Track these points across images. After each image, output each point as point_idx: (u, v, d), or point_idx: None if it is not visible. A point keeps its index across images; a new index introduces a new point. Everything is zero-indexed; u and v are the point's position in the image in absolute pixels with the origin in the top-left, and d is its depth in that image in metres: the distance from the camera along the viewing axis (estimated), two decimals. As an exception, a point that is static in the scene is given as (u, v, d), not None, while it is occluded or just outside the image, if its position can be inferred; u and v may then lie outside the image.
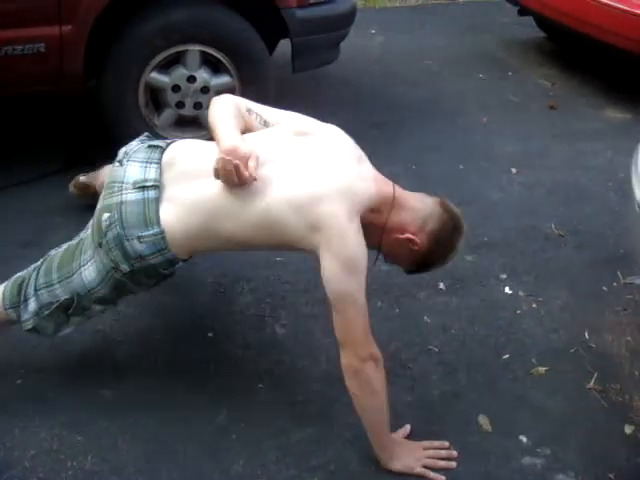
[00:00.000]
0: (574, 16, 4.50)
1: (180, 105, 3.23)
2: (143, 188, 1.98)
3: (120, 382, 2.20)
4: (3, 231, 2.85)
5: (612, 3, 4.26)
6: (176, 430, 2.07)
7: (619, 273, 2.85)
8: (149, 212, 1.96)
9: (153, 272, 2.03)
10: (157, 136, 3.22)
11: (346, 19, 3.57)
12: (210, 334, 2.41)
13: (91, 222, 2.07)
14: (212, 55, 3.18)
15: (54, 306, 2.04)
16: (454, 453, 2.05)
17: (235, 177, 1.87)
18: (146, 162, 2.05)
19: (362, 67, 4.79)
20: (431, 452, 2.03)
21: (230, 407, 2.16)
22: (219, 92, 3.25)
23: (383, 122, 4.03)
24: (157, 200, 1.98)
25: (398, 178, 3.42)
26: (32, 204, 3.03)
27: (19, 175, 3.20)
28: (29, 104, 3.81)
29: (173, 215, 1.96)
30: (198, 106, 3.24)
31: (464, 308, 2.62)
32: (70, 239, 2.77)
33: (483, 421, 2.17)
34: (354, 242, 1.89)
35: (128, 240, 1.95)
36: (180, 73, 3.17)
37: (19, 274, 2.13)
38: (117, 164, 2.08)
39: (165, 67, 3.17)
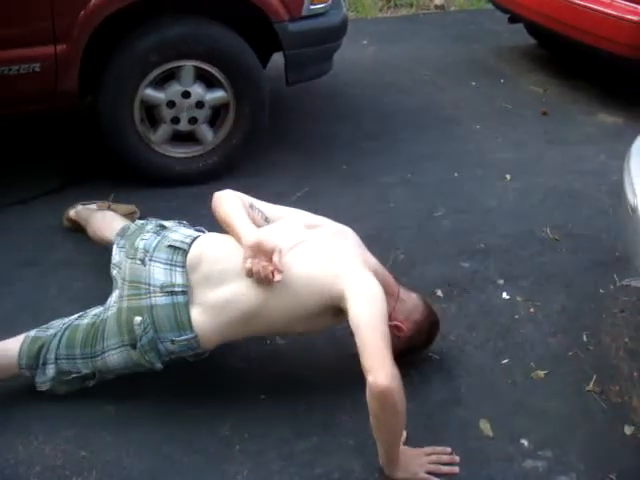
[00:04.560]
0: (564, 22, 4.52)
1: (175, 120, 3.25)
2: (172, 292, 2.06)
3: (123, 397, 2.20)
4: (2, 251, 2.86)
5: (602, 9, 4.29)
6: (180, 443, 2.08)
7: (615, 275, 2.87)
8: (181, 317, 2.04)
9: (180, 360, 2.15)
10: (153, 153, 3.26)
11: (338, 31, 3.59)
12: (211, 347, 2.42)
13: (112, 306, 2.12)
14: (206, 70, 3.20)
15: (73, 375, 2.11)
16: (456, 458, 2.06)
17: (265, 277, 1.99)
18: (170, 264, 2.11)
19: (355, 78, 4.81)
20: (434, 458, 2.04)
21: (233, 419, 2.17)
22: (213, 107, 3.29)
23: (378, 132, 4.06)
24: (187, 304, 2.05)
25: (394, 187, 3.50)
26: (31, 223, 3.04)
27: (17, 194, 3.21)
28: (27, 123, 3.83)
29: (205, 319, 2.06)
30: (193, 121, 3.26)
31: (462, 314, 2.63)
32: (69, 259, 2.80)
33: (484, 426, 2.18)
34: (371, 280, 2.03)
35: (162, 342, 2.05)
36: (175, 89, 3.19)
37: (35, 334, 2.15)
38: (139, 262, 2.13)
39: (160, 83, 3.19)
